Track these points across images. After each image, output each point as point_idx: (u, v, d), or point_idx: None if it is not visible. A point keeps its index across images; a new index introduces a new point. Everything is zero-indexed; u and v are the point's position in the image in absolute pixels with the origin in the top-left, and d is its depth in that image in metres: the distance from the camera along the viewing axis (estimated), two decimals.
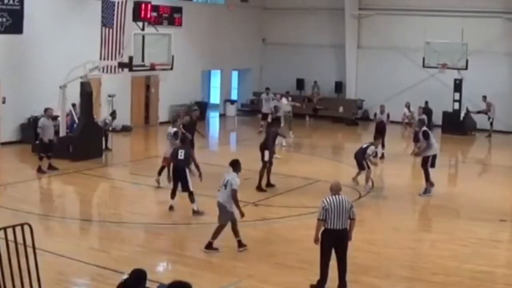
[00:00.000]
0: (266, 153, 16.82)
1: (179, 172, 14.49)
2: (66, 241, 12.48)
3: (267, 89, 27.29)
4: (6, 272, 7.98)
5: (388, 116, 22.00)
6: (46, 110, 18.50)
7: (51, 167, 17.94)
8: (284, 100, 25.85)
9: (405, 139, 27.53)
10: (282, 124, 23.94)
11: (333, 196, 9.91)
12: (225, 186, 11.83)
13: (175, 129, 16.84)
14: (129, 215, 14.55)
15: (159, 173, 16.56)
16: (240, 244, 11.81)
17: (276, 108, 24.09)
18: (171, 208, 14.52)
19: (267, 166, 16.82)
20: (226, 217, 11.79)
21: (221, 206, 11.84)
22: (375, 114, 22.17)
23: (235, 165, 12.15)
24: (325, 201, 9.87)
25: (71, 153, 19.40)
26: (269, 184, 16.86)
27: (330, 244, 9.83)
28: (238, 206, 11.79)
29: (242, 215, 11.86)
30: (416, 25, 28.43)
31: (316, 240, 9.94)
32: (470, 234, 13.40)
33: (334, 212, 9.73)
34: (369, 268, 11.17)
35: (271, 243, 12.57)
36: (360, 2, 30.78)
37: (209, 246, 11.70)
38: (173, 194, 14.61)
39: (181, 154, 14.50)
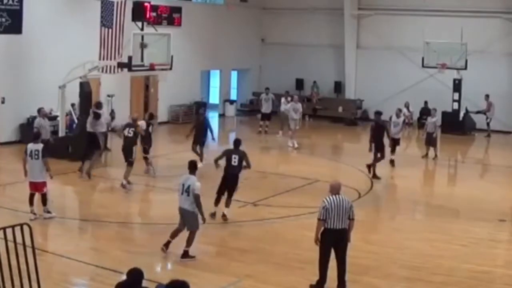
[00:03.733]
0: (374, 145, 18.27)
1: (230, 178, 13.72)
2: (65, 241, 12.48)
3: (267, 89, 27.27)
4: (6, 272, 7.97)
5: (404, 121, 21.33)
6: (39, 110, 18.50)
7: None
8: (283, 100, 25.85)
9: (404, 139, 27.55)
10: (296, 126, 23.47)
11: (333, 196, 9.90)
12: (187, 192, 11.18)
13: (41, 145, 13.63)
14: (129, 215, 14.56)
15: (31, 202, 13.52)
16: (185, 255, 11.38)
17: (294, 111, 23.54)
18: (213, 215, 13.52)
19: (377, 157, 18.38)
20: (194, 222, 11.40)
21: (187, 213, 11.33)
22: (390, 118, 21.30)
23: (192, 166, 11.49)
24: (325, 201, 9.86)
25: (70, 153, 19.39)
26: (374, 175, 18.27)
27: (330, 244, 9.82)
28: (201, 212, 11.37)
29: (204, 220, 11.58)
30: (415, 25, 28.43)
31: (316, 240, 9.93)
32: (469, 234, 13.41)
33: (334, 212, 9.73)
34: (369, 268, 11.17)
35: (271, 243, 12.56)
36: (360, 2, 30.77)
37: (185, 255, 11.37)
38: (217, 202, 13.72)
39: (234, 160, 13.70)
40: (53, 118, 21.01)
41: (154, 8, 24.07)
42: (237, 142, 14.25)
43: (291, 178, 18.07)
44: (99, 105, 19.31)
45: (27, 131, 21.40)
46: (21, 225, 8.20)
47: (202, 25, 29.52)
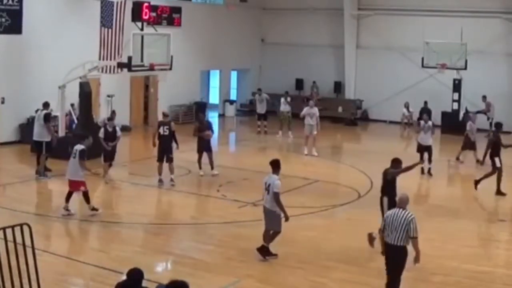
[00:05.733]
0: (497, 159, 16.85)
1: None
2: (65, 241, 12.49)
3: (259, 89, 27.18)
4: (6, 273, 7.97)
5: (433, 124, 19.69)
6: (36, 111, 18.49)
7: (45, 169, 17.76)
8: (282, 100, 25.82)
9: (404, 139, 27.58)
10: (313, 132, 22.06)
11: (396, 210, 9.54)
12: (268, 190, 11.37)
13: (82, 146, 14.22)
14: (129, 215, 14.54)
15: (68, 199, 14.11)
16: (267, 252, 11.44)
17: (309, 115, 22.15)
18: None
19: (501, 172, 16.79)
20: (275, 222, 11.43)
21: (268, 211, 11.47)
22: (418, 124, 19.81)
23: (276, 165, 11.57)
24: (388, 212, 9.66)
25: (70, 153, 19.34)
26: (499, 192, 16.72)
27: (386, 257, 9.59)
28: (283, 210, 11.32)
29: (287, 219, 11.46)
30: (415, 25, 28.42)
31: (382, 252, 9.83)
32: (469, 234, 13.41)
33: (389, 225, 9.40)
34: (369, 268, 11.16)
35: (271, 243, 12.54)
36: (359, 2, 30.77)
37: (268, 253, 11.42)
38: None
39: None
40: (53, 118, 20.99)
41: (154, 8, 24.06)
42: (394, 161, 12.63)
43: (291, 178, 18.03)
44: (47, 105, 18.12)
45: (27, 131, 21.42)
46: (21, 225, 8.20)
47: (202, 25, 29.52)
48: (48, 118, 17.61)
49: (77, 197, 16.30)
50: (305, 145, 22.22)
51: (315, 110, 22.37)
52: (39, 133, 17.57)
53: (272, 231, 11.51)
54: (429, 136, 19.10)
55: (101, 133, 17.35)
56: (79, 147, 14.14)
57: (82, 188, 14.03)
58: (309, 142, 22.09)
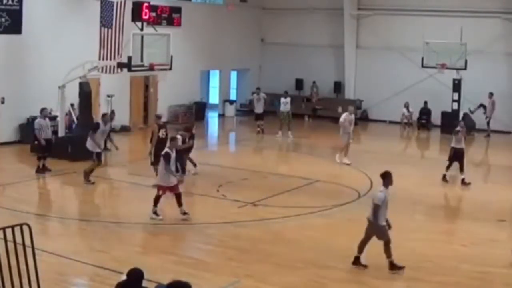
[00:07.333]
0: None
1: None
2: (65, 241, 12.47)
3: (258, 89, 27.14)
4: (5, 273, 7.97)
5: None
6: (42, 110, 18.45)
7: (44, 168, 17.83)
8: (282, 99, 25.79)
9: (404, 139, 27.58)
10: (349, 140, 20.72)
11: None
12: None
13: (167, 149, 14.03)
14: (129, 215, 14.54)
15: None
16: (392, 266, 11.02)
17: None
18: None
19: None
20: (380, 232, 11.24)
21: (368, 222, 11.36)
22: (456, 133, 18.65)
23: (385, 177, 11.43)
24: None
25: (70, 153, 19.38)
26: None
27: None
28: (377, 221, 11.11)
29: (389, 227, 11.30)
30: (415, 25, 28.43)
31: None
32: (469, 234, 13.41)
33: None
34: (369, 268, 11.16)
35: (270, 243, 12.56)
36: (359, 2, 30.77)
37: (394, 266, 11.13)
38: None
39: None
40: (52, 118, 20.99)
41: (154, 8, 24.06)
42: None
43: (291, 178, 18.06)
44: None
45: (26, 131, 21.43)
46: (21, 225, 8.19)
47: (202, 25, 29.52)
48: (94, 129, 17.03)
49: (76, 196, 16.32)
50: (346, 154, 20.60)
51: (353, 117, 21.17)
52: (91, 144, 17.00)
53: (382, 241, 11.24)
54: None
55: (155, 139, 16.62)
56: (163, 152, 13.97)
57: (161, 192, 13.85)
58: (343, 150, 20.73)
